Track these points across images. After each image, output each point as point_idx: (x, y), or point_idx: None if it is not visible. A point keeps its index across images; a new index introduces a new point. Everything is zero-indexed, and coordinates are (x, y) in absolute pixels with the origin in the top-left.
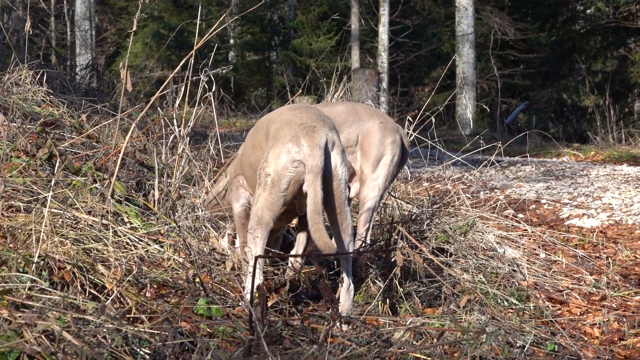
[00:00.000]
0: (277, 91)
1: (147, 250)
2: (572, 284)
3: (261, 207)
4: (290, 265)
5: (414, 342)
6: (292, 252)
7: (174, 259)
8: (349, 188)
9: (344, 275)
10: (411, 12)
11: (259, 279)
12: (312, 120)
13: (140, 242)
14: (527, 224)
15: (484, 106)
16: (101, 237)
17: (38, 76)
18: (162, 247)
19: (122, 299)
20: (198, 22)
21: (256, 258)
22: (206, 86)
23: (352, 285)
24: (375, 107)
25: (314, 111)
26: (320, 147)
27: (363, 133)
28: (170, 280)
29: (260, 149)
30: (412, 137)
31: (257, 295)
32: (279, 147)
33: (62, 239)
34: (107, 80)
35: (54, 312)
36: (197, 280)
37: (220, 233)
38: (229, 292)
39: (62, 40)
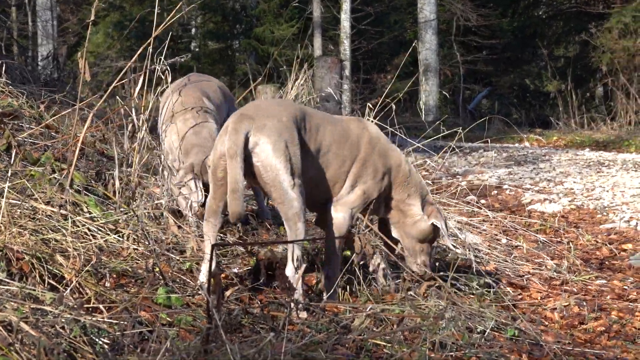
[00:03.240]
0: (239, 79)
1: (106, 240)
2: (533, 268)
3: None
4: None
5: (374, 329)
6: None
7: (133, 248)
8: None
9: (288, 263)
10: None
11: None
12: (251, 111)
13: (99, 232)
14: (489, 210)
15: (446, 93)
16: (60, 227)
17: None
18: (121, 236)
19: (81, 289)
20: (156, 12)
21: (213, 247)
22: (168, 75)
23: (298, 271)
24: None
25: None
26: (237, 132)
27: None
28: (129, 270)
29: None
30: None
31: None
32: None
33: (21, 230)
34: (68, 70)
35: (12, 303)
36: (157, 269)
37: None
38: (188, 280)
39: (24, 31)
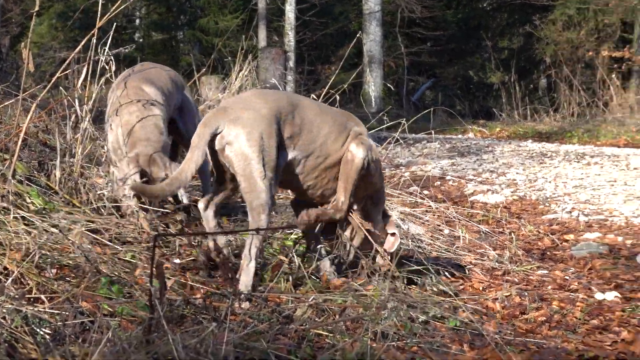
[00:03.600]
0: (183, 70)
1: (48, 231)
2: (475, 259)
3: None
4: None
5: (316, 319)
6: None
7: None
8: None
9: (245, 252)
10: None
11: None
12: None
13: (42, 223)
14: (432, 201)
15: (390, 85)
16: (1, 218)
17: None
18: (62, 229)
19: (22, 280)
20: (100, 2)
21: (155, 237)
22: (111, 66)
23: (252, 262)
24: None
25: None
26: (204, 125)
27: None
28: (70, 262)
29: None
30: None
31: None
32: None
33: None
34: (11, 61)
35: None
36: (99, 261)
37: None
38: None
39: None
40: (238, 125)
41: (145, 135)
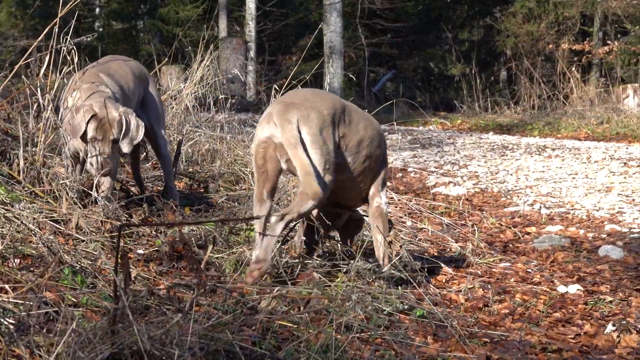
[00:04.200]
0: (144, 60)
1: (11, 221)
2: (437, 251)
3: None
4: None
5: (280, 310)
6: None
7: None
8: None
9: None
10: None
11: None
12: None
13: (6, 212)
14: (394, 192)
15: (352, 75)
16: None
17: None
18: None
19: None
20: None
21: (120, 226)
22: (73, 55)
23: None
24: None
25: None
26: (290, 122)
27: None
28: (34, 252)
29: None
30: None
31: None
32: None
33: None
34: None
35: None
36: (61, 251)
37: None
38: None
39: None
40: (307, 125)
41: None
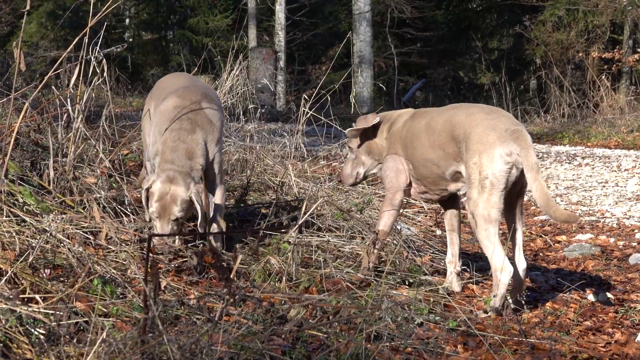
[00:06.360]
0: (173, 70)
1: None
2: (467, 259)
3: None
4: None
5: (310, 319)
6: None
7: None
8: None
9: None
10: None
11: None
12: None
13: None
14: (424, 202)
15: (381, 85)
16: None
17: None
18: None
19: (16, 280)
20: (92, 1)
21: (149, 237)
22: (103, 66)
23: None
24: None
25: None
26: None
27: None
28: (64, 262)
29: (443, 149)
30: (308, 115)
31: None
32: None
33: None
34: (1, 60)
35: None
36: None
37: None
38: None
39: None
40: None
41: (171, 158)
